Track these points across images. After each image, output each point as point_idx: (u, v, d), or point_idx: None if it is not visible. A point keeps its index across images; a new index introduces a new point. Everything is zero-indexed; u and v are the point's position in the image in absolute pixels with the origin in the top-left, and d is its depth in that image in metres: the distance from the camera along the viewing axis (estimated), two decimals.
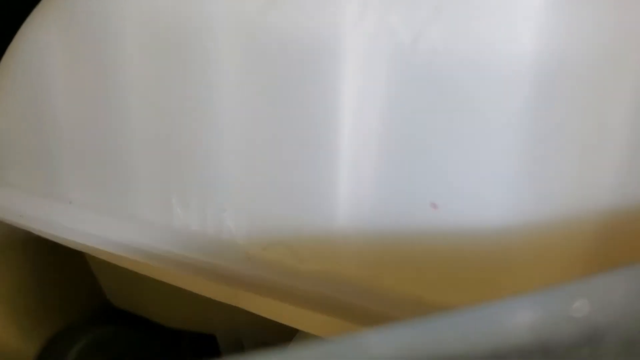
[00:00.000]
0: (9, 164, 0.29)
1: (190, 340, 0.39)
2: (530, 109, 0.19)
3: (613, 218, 0.20)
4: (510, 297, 0.11)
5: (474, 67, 0.19)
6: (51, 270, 0.38)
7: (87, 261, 0.36)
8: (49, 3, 0.26)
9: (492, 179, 0.20)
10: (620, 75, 0.19)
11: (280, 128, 0.22)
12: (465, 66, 0.19)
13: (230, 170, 0.24)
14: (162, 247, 0.25)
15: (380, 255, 0.22)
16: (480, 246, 0.20)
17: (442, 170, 0.20)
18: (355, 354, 0.12)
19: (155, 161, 0.25)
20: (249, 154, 0.23)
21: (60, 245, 0.29)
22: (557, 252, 0.20)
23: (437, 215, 0.21)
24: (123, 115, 0.25)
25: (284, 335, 0.28)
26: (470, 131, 0.20)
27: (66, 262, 0.37)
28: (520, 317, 0.11)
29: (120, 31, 0.24)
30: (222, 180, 0.24)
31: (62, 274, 0.38)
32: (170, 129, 0.24)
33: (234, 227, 0.24)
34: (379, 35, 0.20)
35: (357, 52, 0.20)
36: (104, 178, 0.27)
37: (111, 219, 0.27)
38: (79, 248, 0.28)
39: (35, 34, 0.26)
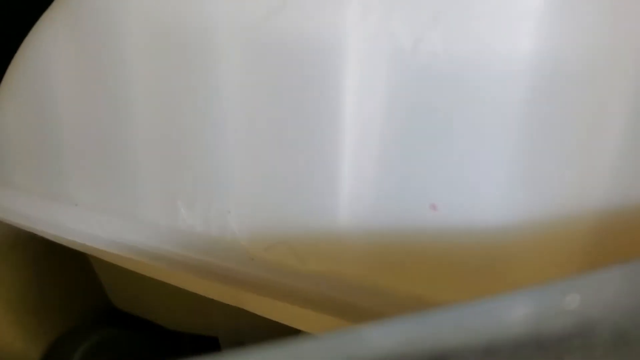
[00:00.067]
0: (15, 166, 0.29)
1: (192, 342, 0.39)
2: (527, 110, 0.19)
3: (608, 217, 0.20)
4: (504, 293, 0.12)
5: (473, 69, 0.19)
6: (54, 273, 0.38)
7: (90, 263, 0.36)
8: (56, 8, 0.26)
9: (490, 180, 0.20)
10: (617, 76, 0.19)
11: (282, 130, 0.23)
12: (464, 68, 0.19)
13: (234, 172, 0.24)
14: (166, 248, 0.26)
15: (381, 255, 0.22)
16: (479, 245, 0.21)
17: (441, 171, 0.21)
18: (354, 348, 0.12)
19: (159, 163, 0.25)
20: (252, 155, 0.23)
21: (63, 247, 0.29)
22: (553, 251, 0.20)
23: (436, 216, 0.21)
24: (127, 116, 0.25)
25: (285, 337, 0.28)
26: (469, 132, 0.20)
27: (69, 264, 0.37)
28: (514, 311, 0.12)
29: (124, 34, 0.24)
30: (225, 182, 0.24)
31: (65, 276, 0.38)
32: (174, 130, 0.25)
33: (237, 228, 0.24)
34: (379, 38, 0.20)
35: (358, 55, 0.21)
36: (108, 179, 0.27)
37: (115, 220, 0.27)
38: (82, 249, 0.28)
39: (41, 39, 0.27)
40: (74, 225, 0.28)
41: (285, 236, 0.24)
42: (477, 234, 0.21)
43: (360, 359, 0.12)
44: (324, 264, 0.23)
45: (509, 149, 0.20)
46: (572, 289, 0.11)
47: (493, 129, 0.20)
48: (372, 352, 0.12)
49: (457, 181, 0.20)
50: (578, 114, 0.19)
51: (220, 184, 0.24)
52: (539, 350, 0.11)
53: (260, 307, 0.25)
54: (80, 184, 0.28)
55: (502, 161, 0.20)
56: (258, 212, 0.24)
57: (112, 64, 0.25)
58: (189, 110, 0.24)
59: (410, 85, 0.20)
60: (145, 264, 0.26)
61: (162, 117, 0.25)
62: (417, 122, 0.21)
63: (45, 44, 0.27)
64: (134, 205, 0.26)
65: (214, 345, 0.37)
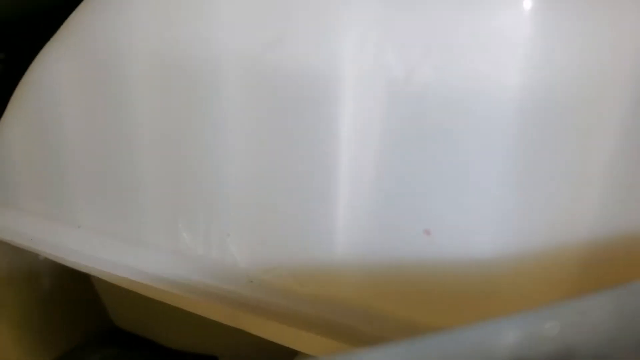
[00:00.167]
0: (19, 187, 0.30)
1: None
2: (518, 138, 0.20)
3: (597, 248, 0.20)
4: (491, 319, 0.12)
5: (464, 99, 0.20)
6: (57, 293, 0.38)
7: (92, 283, 0.36)
8: (61, 36, 0.27)
9: (482, 206, 0.20)
10: (605, 109, 0.20)
11: (281, 159, 0.23)
12: (455, 98, 0.20)
13: (234, 197, 0.24)
14: (168, 270, 0.26)
15: (377, 281, 0.22)
16: (471, 273, 0.21)
17: (434, 202, 0.21)
18: None
19: (162, 187, 0.26)
20: (252, 183, 0.24)
21: (67, 268, 0.29)
22: (543, 278, 0.21)
23: (430, 244, 0.21)
24: (131, 142, 0.26)
25: (283, 357, 0.28)
26: (460, 160, 0.20)
27: (72, 285, 0.38)
28: (498, 338, 0.12)
29: (129, 64, 0.25)
30: (226, 207, 0.25)
31: (68, 296, 0.38)
32: (177, 157, 0.25)
33: (237, 251, 0.25)
34: (374, 69, 0.21)
35: (354, 88, 0.21)
36: (111, 202, 0.27)
37: (119, 242, 0.27)
38: (86, 271, 0.29)
39: (47, 65, 0.27)
40: (79, 247, 0.28)
41: (284, 261, 0.24)
42: (470, 261, 0.21)
43: None
44: (322, 288, 0.23)
45: (500, 176, 0.20)
46: (552, 315, 0.12)
47: (484, 156, 0.20)
48: None
49: (449, 208, 0.21)
50: (567, 147, 0.20)
51: (220, 208, 0.25)
52: None
53: (258, 329, 0.25)
54: (83, 206, 0.28)
55: (494, 188, 0.20)
56: (257, 237, 0.24)
57: (116, 91, 0.26)
58: (190, 138, 0.25)
59: (404, 115, 0.21)
60: (147, 286, 0.27)
61: (164, 143, 0.25)
62: (410, 151, 0.21)
63: (50, 69, 0.27)
64: (136, 228, 0.27)
65: None
